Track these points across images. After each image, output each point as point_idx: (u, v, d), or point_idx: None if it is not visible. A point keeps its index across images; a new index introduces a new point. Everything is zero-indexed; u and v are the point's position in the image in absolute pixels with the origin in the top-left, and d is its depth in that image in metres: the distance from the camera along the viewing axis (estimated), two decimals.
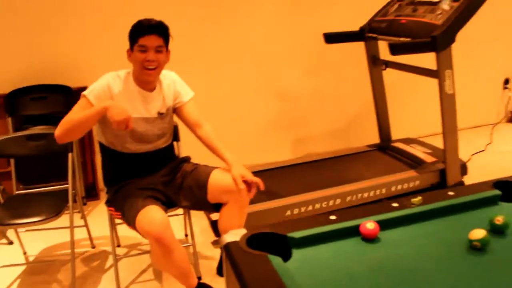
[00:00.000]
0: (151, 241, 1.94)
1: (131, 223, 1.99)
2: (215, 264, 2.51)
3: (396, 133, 3.92)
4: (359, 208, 1.34)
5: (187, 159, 2.36)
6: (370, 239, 1.22)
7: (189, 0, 3.35)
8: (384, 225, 1.27)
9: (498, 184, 1.48)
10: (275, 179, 3.06)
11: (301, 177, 3.14)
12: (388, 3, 3.34)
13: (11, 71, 3.07)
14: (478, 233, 1.17)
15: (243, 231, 1.21)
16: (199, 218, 2.91)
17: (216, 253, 2.57)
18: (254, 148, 3.79)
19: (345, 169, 3.27)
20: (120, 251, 2.67)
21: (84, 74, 3.20)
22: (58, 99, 3.09)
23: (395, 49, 2.74)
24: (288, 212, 2.72)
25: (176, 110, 2.24)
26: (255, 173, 2.29)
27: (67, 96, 3.10)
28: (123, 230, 2.53)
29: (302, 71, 3.86)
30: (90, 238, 2.75)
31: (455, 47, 3.14)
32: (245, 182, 2.06)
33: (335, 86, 4.02)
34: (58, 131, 2.01)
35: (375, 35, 3.28)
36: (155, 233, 1.87)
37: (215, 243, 2.72)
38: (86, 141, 3.26)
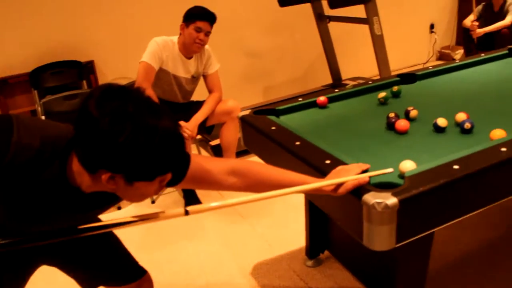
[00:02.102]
0: None
1: None
2: None
3: (346, 74, 4.82)
4: (319, 92, 2.22)
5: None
6: (323, 106, 2.11)
7: None
8: (331, 99, 2.15)
9: (400, 75, 2.39)
10: None
11: None
12: None
13: (32, 52, 3.73)
14: (382, 94, 2.08)
15: (249, 111, 2.06)
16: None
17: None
18: (231, 97, 4.60)
19: None
20: None
21: (91, 51, 3.93)
22: (72, 72, 3.81)
23: (333, 4, 3.63)
24: None
25: (204, 76, 3.06)
26: None
27: (79, 69, 3.83)
28: None
29: (263, 31, 4.68)
30: None
31: (388, 2, 3.99)
32: None
33: (291, 41, 4.87)
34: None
35: None
36: None
37: None
38: None
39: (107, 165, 0.97)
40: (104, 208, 1.27)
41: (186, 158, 1.27)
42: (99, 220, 1.55)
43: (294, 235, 2.55)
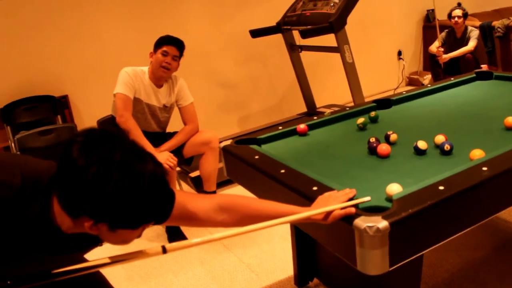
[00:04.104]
0: None
1: None
2: None
3: (320, 102, 4.91)
4: (295, 120, 2.25)
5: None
6: (303, 134, 2.13)
7: (136, 17, 4.14)
8: (310, 127, 2.19)
9: (376, 101, 2.45)
10: None
11: None
12: (295, 2, 4.30)
13: (4, 87, 3.67)
14: (360, 119, 2.12)
15: (230, 141, 2.07)
16: None
17: None
18: (208, 127, 4.61)
19: None
20: None
21: (64, 85, 3.89)
22: (46, 107, 3.77)
23: (305, 34, 3.71)
24: None
25: (179, 108, 3.07)
26: None
27: (53, 104, 3.78)
28: None
29: (236, 62, 4.74)
30: None
31: (357, 30, 4.05)
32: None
33: (264, 71, 4.94)
34: (123, 124, 2.75)
35: (289, 27, 4.24)
36: None
37: None
38: None
39: (91, 214, 0.94)
40: (87, 249, 1.24)
41: (171, 197, 1.23)
42: (84, 259, 1.52)
43: (281, 264, 2.53)
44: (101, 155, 0.91)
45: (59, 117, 3.83)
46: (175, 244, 1.09)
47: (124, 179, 0.91)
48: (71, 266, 1.03)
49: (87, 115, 4.00)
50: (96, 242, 1.18)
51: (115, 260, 1.06)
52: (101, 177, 0.90)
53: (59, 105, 3.84)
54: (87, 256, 1.34)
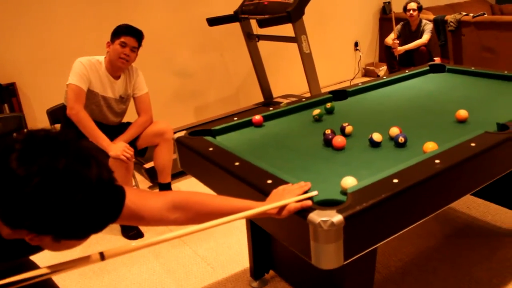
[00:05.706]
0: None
1: None
2: None
3: (277, 92, 4.89)
4: (252, 111, 2.21)
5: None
6: (258, 125, 2.10)
7: (91, 2, 3.97)
8: (266, 118, 2.15)
9: (332, 92, 2.45)
10: None
11: None
12: None
13: None
14: (316, 111, 2.11)
15: (184, 132, 2.01)
16: None
17: None
18: (163, 117, 4.50)
19: None
20: None
21: (11, 72, 3.69)
22: None
23: (262, 24, 3.67)
24: None
25: (133, 98, 2.97)
26: None
27: None
28: None
29: (193, 51, 4.65)
30: None
31: (314, 21, 4.02)
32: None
33: (221, 60, 4.87)
34: (73, 117, 2.65)
35: (246, 16, 4.19)
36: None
37: (152, 187, 3.46)
38: None
39: (32, 228, 0.85)
40: (31, 254, 1.17)
41: (120, 198, 1.11)
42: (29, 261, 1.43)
43: (237, 256, 2.50)
44: (43, 164, 0.81)
45: (6, 105, 3.65)
46: (114, 250, 1.01)
47: (69, 189, 0.82)
48: (4, 280, 0.94)
49: (37, 104, 3.82)
50: (39, 247, 1.11)
51: (53, 270, 0.96)
52: (44, 189, 0.81)
53: (6, 93, 3.65)
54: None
